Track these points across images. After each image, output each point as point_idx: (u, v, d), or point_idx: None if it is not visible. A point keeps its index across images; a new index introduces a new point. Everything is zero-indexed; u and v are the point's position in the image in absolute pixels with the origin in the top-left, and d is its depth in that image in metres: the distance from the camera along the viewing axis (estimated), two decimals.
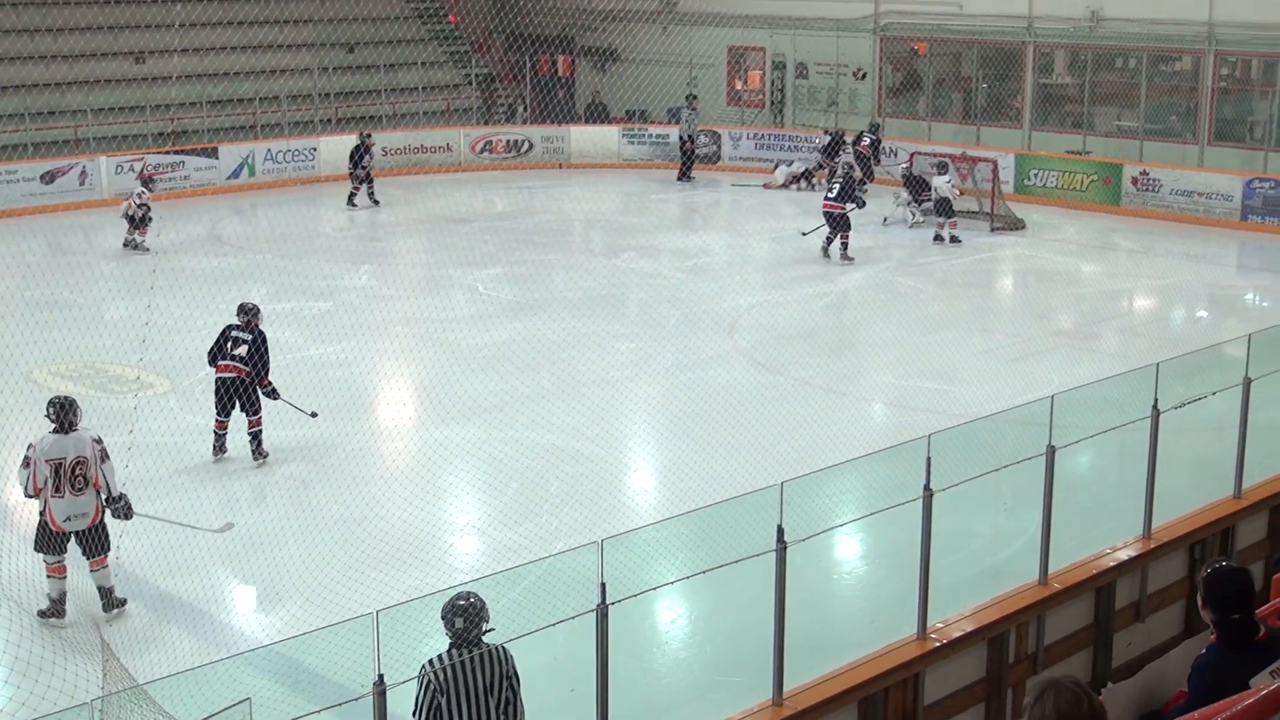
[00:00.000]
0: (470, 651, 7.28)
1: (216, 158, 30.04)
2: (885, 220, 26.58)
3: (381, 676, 6.55)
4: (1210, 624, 5.49)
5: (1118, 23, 29.29)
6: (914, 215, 26.19)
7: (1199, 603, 5.56)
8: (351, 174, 27.96)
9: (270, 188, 30.33)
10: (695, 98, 32.80)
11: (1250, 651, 5.34)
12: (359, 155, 27.77)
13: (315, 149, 31.41)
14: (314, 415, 14.48)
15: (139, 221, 23.56)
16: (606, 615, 7.33)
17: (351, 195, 27.81)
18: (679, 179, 31.78)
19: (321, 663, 7.67)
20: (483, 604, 7.36)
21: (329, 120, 33.28)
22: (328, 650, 7.11)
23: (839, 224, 23.32)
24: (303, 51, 33.43)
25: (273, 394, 14.20)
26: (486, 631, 7.35)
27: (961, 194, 26.14)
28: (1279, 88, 28.37)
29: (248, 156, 30.42)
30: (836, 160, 28.30)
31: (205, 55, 31.56)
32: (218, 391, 14.07)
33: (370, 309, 20.40)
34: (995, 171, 27.03)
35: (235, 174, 30.23)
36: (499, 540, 12.28)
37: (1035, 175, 29.30)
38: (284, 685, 7.89)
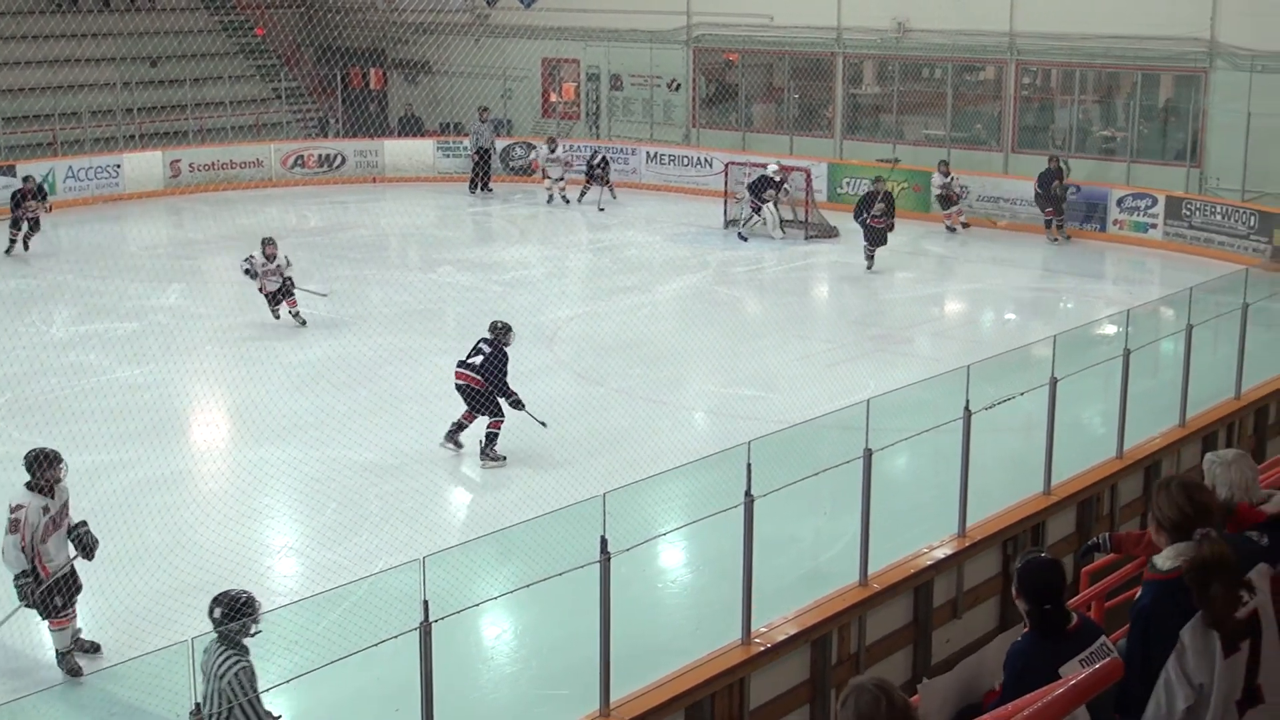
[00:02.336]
0: (220, 648, 7.43)
1: (14, 175, 29.02)
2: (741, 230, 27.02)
3: (198, 705, 6.37)
4: (1023, 614, 5.62)
5: (923, 34, 30.01)
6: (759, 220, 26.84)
7: (1014, 592, 5.68)
8: None
9: (72, 206, 29.41)
10: (486, 109, 32.68)
11: (1061, 641, 5.49)
12: None
13: (119, 166, 30.58)
14: (544, 425, 14.71)
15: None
16: (430, 633, 7.24)
17: None
18: (471, 190, 31.89)
19: (135, 694, 7.46)
20: (249, 600, 7.39)
21: (133, 136, 32.44)
22: (143, 680, 6.92)
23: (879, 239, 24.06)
24: (104, 66, 32.50)
25: (517, 404, 14.51)
26: (254, 633, 7.53)
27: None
28: (1077, 96, 29.36)
29: (48, 174, 29.44)
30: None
31: (0, 70, 30.53)
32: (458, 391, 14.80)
33: (181, 329, 19.89)
34: (809, 180, 27.47)
35: None
36: (319, 560, 12.05)
37: (848, 184, 29.81)
38: (95, 719, 7.65)
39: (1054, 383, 11.45)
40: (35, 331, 19.63)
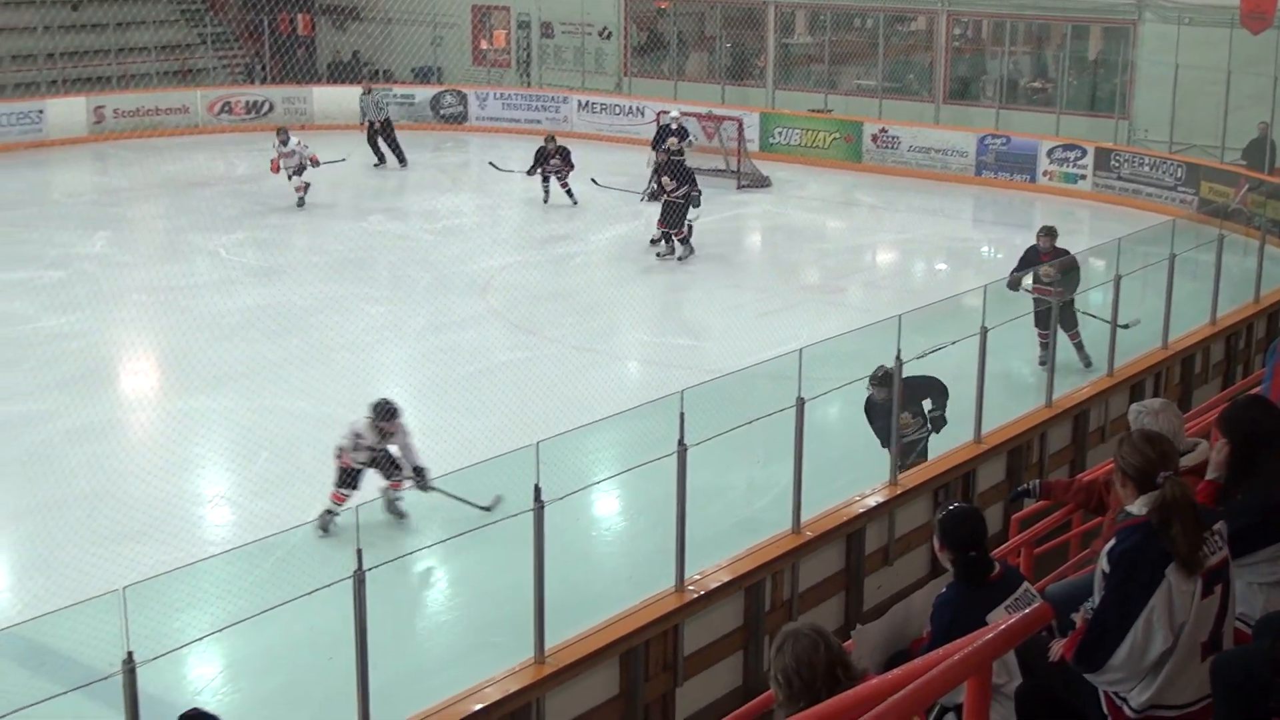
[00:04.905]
0: None
1: None
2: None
3: (131, 654, 6.34)
4: (948, 565, 5.70)
5: None
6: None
7: (936, 545, 5.76)
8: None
9: None
10: (370, 84, 30.52)
11: (987, 589, 5.58)
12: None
13: (42, 111, 30.04)
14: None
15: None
16: (364, 581, 7.23)
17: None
18: (377, 164, 28.85)
19: (67, 643, 7.42)
20: None
21: (55, 82, 31.83)
22: (73, 629, 6.88)
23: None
24: (24, 9, 31.91)
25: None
26: None
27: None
28: (1008, 48, 29.51)
29: None
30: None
31: None
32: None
33: (108, 277, 19.66)
34: (740, 130, 27.44)
35: None
36: (251, 510, 11.98)
37: (779, 133, 29.85)
38: (28, 668, 7.61)
39: (984, 332, 11.54)
40: None
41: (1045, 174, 26.91)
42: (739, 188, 26.75)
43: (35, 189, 26.58)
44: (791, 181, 27.50)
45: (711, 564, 9.58)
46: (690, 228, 21.03)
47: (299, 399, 14.61)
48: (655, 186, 22.02)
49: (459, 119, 33.12)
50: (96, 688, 6.60)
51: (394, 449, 11.49)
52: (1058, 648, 5.21)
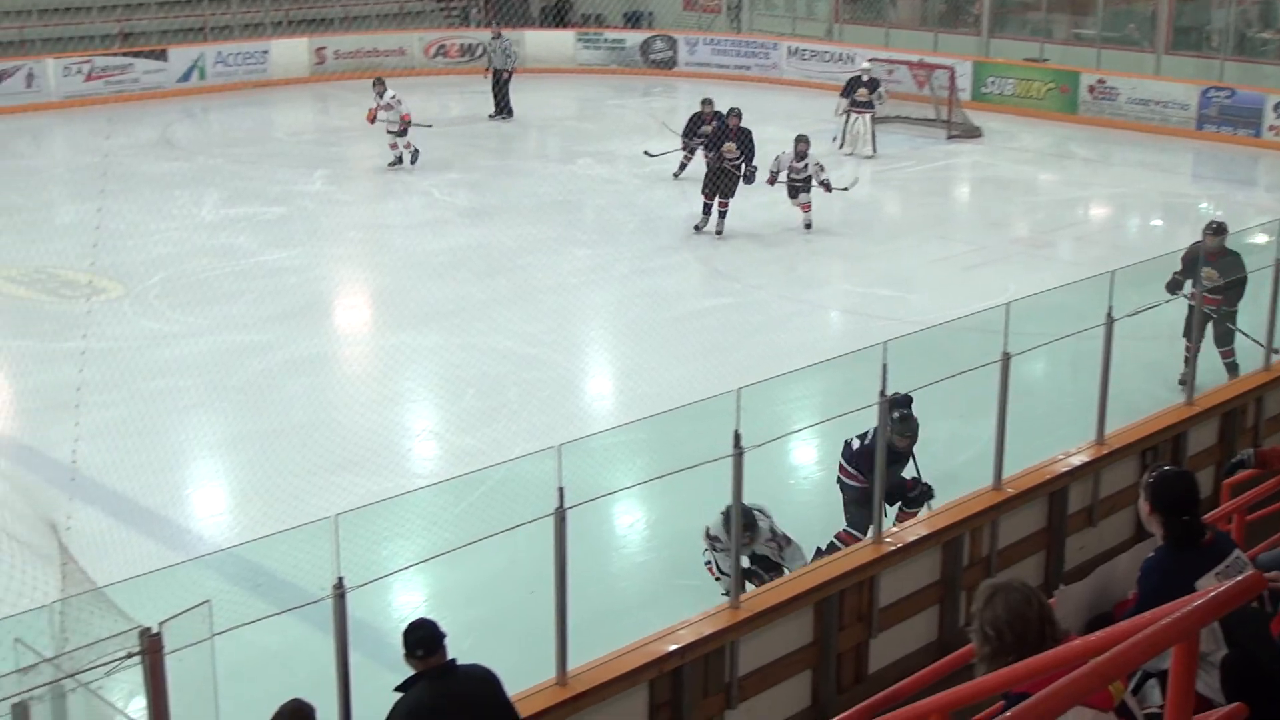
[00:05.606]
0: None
1: (166, 60, 29.56)
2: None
3: (341, 579, 6.57)
4: (1156, 528, 5.56)
5: None
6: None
7: (1144, 510, 5.61)
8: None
9: (221, 91, 29.91)
10: (500, 29, 29.69)
11: (1196, 554, 5.43)
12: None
13: (266, 51, 30.97)
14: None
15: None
16: (565, 519, 7.36)
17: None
18: (491, 116, 28.23)
19: (281, 566, 7.69)
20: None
21: (280, 23, 32.75)
22: (287, 553, 7.12)
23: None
24: None
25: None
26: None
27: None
28: None
29: (198, 59, 29.96)
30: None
31: None
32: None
33: (325, 214, 20.25)
34: (952, 79, 26.95)
35: (185, 77, 29.77)
36: (457, 445, 12.30)
37: (992, 83, 29.23)
38: (243, 588, 7.91)
39: (1202, 288, 11.20)
40: (186, 214, 20.08)
41: (1271, 129, 25.82)
42: (949, 138, 26.30)
43: (259, 127, 27.44)
44: (1003, 132, 26.93)
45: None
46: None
47: (505, 339, 14.88)
48: (733, 152, 19.64)
49: (668, 64, 33.14)
50: (307, 610, 6.84)
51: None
52: None
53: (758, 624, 8.38)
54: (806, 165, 18.60)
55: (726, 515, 8.68)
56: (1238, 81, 26.54)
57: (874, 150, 24.56)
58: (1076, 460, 10.47)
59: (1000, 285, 15.98)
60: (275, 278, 16.79)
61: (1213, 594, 4.62)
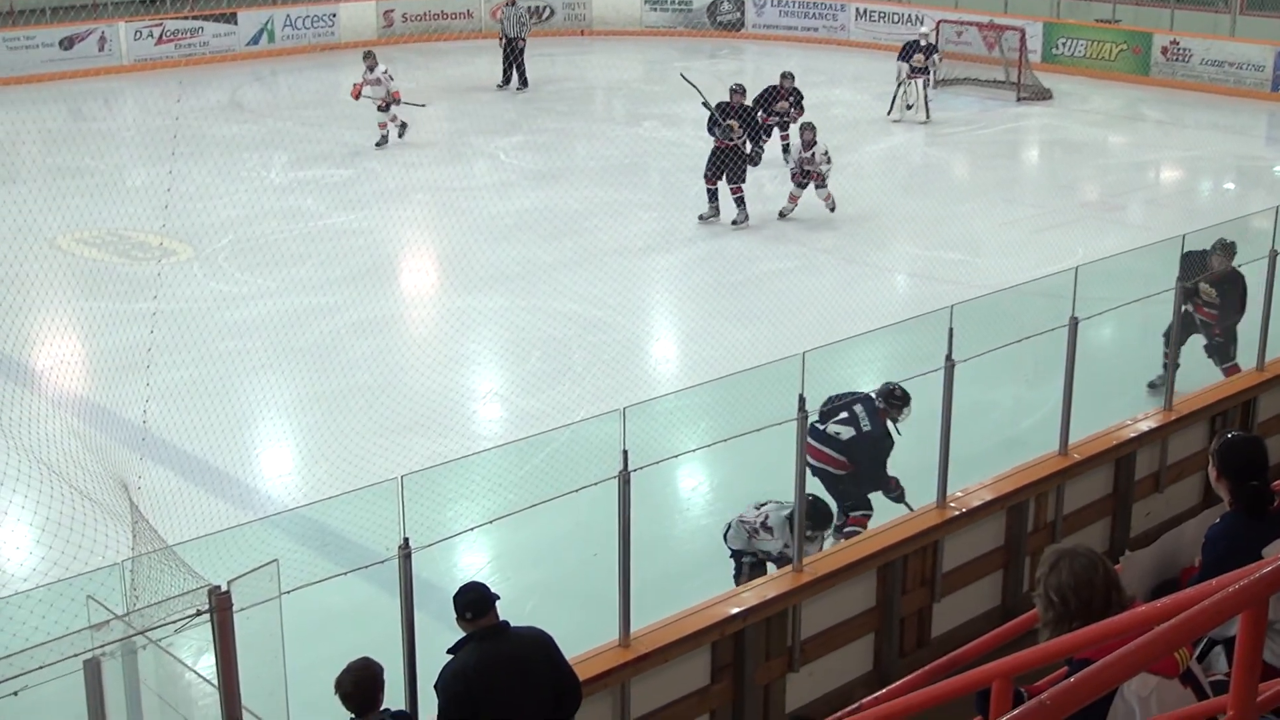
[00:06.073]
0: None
1: (235, 24, 29.76)
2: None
3: (407, 540, 6.63)
4: (1224, 494, 5.49)
5: None
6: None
7: (1212, 476, 5.55)
8: None
9: (290, 54, 30.07)
10: None
11: (1265, 521, 5.36)
12: None
13: (335, 15, 31.08)
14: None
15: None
16: (629, 482, 7.39)
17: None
18: (500, 85, 27.40)
19: (347, 526, 7.76)
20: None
21: None
22: (353, 514, 7.19)
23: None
24: None
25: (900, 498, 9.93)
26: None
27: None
28: None
29: (267, 22, 30.13)
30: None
31: None
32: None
33: (392, 176, 20.32)
34: (1023, 40, 26.65)
35: (255, 40, 29.98)
36: (522, 408, 12.35)
37: (1063, 44, 28.88)
38: (310, 548, 7.98)
39: (1274, 255, 11.04)
40: (255, 176, 20.24)
41: None
42: (1019, 100, 26.03)
43: (327, 89, 27.54)
44: (1074, 94, 26.62)
45: (974, 482, 9.49)
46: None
47: (570, 301, 14.91)
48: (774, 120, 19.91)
49: (735, 26, 32.96)
50: (373, 570, 6.92)
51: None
52: None
53: (821, 587, 8.40)
54: (814, 154, 18.21)
55: (790, 518, 8.58)
56: None
57: (928, 116, 24.29)
58: (1144, 426, 10.39)
59: (1069, 249, 15.83)
60: (342, 240, 16.90)
61: None
